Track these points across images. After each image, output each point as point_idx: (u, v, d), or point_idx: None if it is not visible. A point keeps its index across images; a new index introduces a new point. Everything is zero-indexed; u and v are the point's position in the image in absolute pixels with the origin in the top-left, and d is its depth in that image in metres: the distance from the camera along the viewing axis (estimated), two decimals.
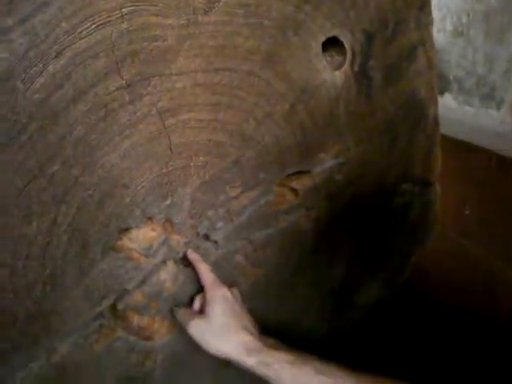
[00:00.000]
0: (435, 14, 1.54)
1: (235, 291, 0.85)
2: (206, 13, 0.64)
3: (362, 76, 0.82)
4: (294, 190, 0.87)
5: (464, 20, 1.47)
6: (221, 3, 0.65)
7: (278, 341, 0.81)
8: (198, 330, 0.79)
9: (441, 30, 1.53)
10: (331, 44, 0.78)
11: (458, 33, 1.49)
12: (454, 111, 1.52)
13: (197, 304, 0.84)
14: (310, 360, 0.77)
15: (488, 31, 1.41)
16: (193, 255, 0.81)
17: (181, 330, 0.84)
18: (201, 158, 0.73)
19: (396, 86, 0.87)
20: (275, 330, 0.85)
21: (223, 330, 0.78)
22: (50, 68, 0.58)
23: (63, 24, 0.57)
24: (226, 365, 0.89)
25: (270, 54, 0.71)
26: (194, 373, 0.92)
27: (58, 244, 0.68)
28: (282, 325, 0.92)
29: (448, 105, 1.54)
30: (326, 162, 0.86)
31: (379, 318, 1.16)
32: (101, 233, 0.70)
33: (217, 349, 0.78)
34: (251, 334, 0.79)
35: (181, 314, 0.82)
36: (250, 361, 0.76)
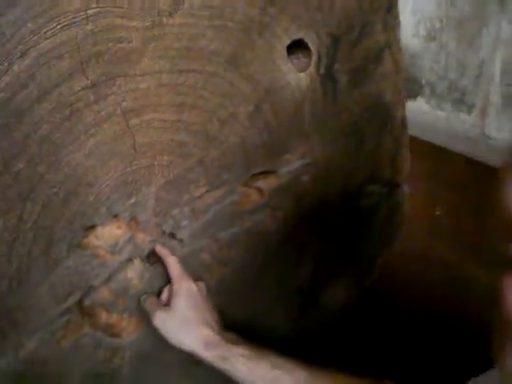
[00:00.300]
0: (410, 19, 1.57)
1: (201, 284, 0.86)
2: (170, 15, 0.66)
3: (327, 78, 0.83)
4: (260, 190, 0.88)
5: (437, 25, 1.49)
6: (185, 6, 0.66)
7: (238, 336, 0.83)
8: (162, 321, 0.81)
9: (415, 35, 1.56)
10: (297, 46, 0.79)
11: (431, 38, 1.51)
12: (426, 115, 1.54)
13: (164, 295, 0.86)
14: (267, 355, 0.80)
15: (460, 37, 1.44)
16: (161, 249, 0.82)
17: (148, 328, 0.85)
18: (165, 158, 0.75)
19: (362, 88, 0.89)
20: (241, 327, 0.86)
21: (185, 324, 0.80)
22: (15, 67, 0.59)
23: (29, 24, 0.58)
24: (197, 363, 0.91)
25: (235, 55, 0.73)
26: (163, 370, 0.93)
27: (23, 241, 0.68)
28: (249, 322, 0.94)
29: (421, 109, 1.56)
30: (291, 163, 0.87)
31: (346, 319, 1.17)
32: (66, 230, 0.71)
33: (178, 341, 0.80)
34: (211, 328, 0.81)
35: (147, 303, 0.84)
36: (208, 355, 0.79)
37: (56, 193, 0.68)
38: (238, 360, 0.78)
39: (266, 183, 0.88)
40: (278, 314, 1.05)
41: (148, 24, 0.65)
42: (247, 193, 0.87)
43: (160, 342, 0.82)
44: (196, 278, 0.85)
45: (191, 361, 0.89)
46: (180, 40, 0.68)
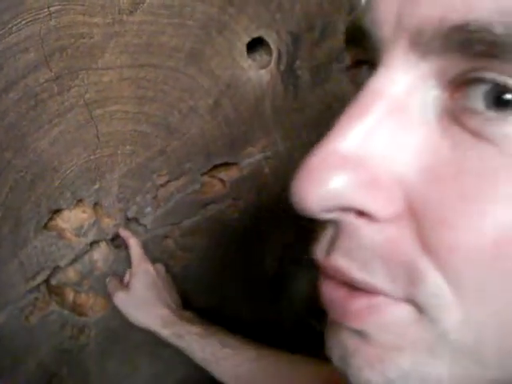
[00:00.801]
0: None
1: (159, 266, 0.91)
2: (130, 13, 0.70)
3: (288, 75, 0.87)
4: (222, 181, 0.92)
5: None
6: (145, 4, 0.70)
7: (195, 315, 0.87)
8: (122, 301, 0.86)
9: None
10: (258, 44, 0.83)
11: None
12: None
13: (127, 277, 0.90)
14: (219, 333, 0.84)
15: None
16: (124, 232, 0.87)
17: (114, 309, 0.89)
18: (127, 147, 0.79)
19: (325, 85, 0.92)
20: (207, 315, 0.90)
21: (143, 303, 0.85)
22: None
23: None
24: (164, 344, 0.95)
25: (194, 52, 0.77)
26: (129, 349, 0.97)
27: None
28: (214, 309, 0.97)
29: None
30: (253, 156, 0.91)
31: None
32: (33, 212, 0.76)
33: (137, 320, 0.85)
34: (168, 307, 0.86)
35: (110, 284, 0.88)
36: (165, 332, 0.83)
37: (23, 177, 0.72)
38: (192, 338, 0.83)
39: (228, 174, 0.92)
40: (244, 302, 1.08)
41: (109, 21, 0.69)
42: (209, 183, 0.91)
43: (126, 323, 0.87)
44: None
45: (159, 341, 0.93)
46: (140, 36, 0.72)
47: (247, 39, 0.81)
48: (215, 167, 0.90)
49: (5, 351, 0.84)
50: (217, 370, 0.83)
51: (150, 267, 0.87)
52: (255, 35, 0.81)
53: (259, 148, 0.91)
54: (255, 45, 0.84)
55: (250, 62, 0.83)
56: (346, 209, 0.29)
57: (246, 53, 0.82)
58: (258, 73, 0.84)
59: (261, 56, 0.85)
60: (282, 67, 0.86)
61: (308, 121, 0.94)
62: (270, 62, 0.85)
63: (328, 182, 0.27)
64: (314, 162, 0.29)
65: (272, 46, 0.83)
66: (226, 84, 0.82)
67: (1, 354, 0.83)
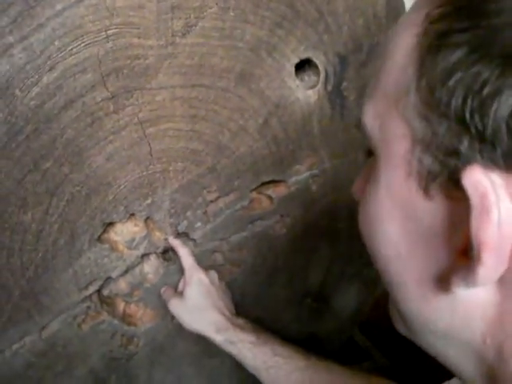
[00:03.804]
0: None
1: (212, 273, 0.94)
2: (183, 35, 0.73)
3: (335, 95, 0.89)
4: (270, 198, 0.94)
5: None
6: (197, 27, 0.73)
7: (248, 322, 0.89)
8: (176, 307, 0.89)
9: None
10: (306, 64, 0.85)
11: None
12: None
13: (181, 285, 0.93)
14: (271, 342, 0.86)
15: None
16: (174, 241, 0.89)
17: (163, 320, 0.92)
18: (179, 164, 0.82)
19: None
20: None
21: (197, 309, 0.88)
22: (44, 79, 0.67)
23: (56, 42, 0.65)
24: (209, 355, 0.97)
25: (244, 72, 0.79)
26: (175, 360, 1.00)
27: (49, 232, 0.77)
28: (259, 323, 0.99)
29: None
30: (300, 174, 0.94)
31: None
32: (88, 225, 0.79)
33: (190, 326, 0.88)
34: (222, 314, 0.88)
35: (165, 293, 0.92)
36: (218, 338, 0.86)
37: (79, 191, 0.76)
38: (244, 346, 0.85)
39: (276, 191, 0.94)
40: (289, 316, 1.10)
41: (163, 43, 0.72)
42: (258, 199, 0.93)
43: (173, 334, 0.90)
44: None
45: (204, 353, 0.96)
46: (192, 58, 0.75)
47: (296, 60, 0.83)
48: (263, 184, 0.92)
49: (58, 357, 0.88)
50: (267, 378, 0.85)
51: (203, 276, 0.90)
52: (303, 56, 0.83)
53: (306, 166, 0.93)
54: (303, 65, 0.86)
55: (298, 82, 0.85)
56: None
57: (294, 74, 0.84)
58: (305, 93, 0.86)
59: (309, 77, 0.87)
60: (329, 87, 0.88)
61: (354, 140, 0.96)
62: (317, 82, 0.87)
63: None
64: None
65: (320, 66, 0.85)
66: (274, 104, 0.84)
67: (54, 360, 0.88)
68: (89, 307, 0.87)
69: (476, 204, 0.31)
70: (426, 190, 0.35)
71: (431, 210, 0.35)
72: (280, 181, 0.93)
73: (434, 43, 0.33)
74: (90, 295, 0.86)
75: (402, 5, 0.89)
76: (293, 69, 0.83)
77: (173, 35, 0.72)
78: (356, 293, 1.17)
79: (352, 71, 0.89)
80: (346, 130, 0.94)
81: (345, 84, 0.89)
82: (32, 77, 0.66)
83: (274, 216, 0.96)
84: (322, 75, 0.86)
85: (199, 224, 0.90)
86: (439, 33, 0.33)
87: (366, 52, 0.88)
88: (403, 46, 0.36)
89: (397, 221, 0.39)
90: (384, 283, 0.44)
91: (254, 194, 0.92)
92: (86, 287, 0.85)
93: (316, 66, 0.86)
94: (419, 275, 0.39)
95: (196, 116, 0.79)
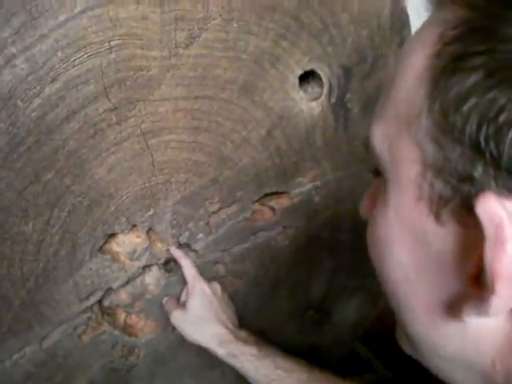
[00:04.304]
0: None
1: (215, 285, 0.93)
2: (186, 47, 0.72)
3: (339, 107, 0.89)
4: (272, 209, 0.94)
5: None
6: (200, 38, 0.73)
7: (251, 334, 0.89)
8: (179, 319, 0.88)
9: None
10: (309, 76, 0.85)
11: None
12: None
13: (183, 296, 0.93)
14: (273, 355, 0.86)
15: None
16: (176, 251, 0.89)
17: (164, 332, 0.92)
18: (181, 175, 0.81)
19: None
20: None
21: (199, 321, 0.88)
22: (47, 90, 0.66)
23: (59, 53, 0.65)
24: (211, 367, 0.97)
25: (248, 84, 0.79)
26: (176, 371, 0.99)
27: (50, 243, 0.76)
28: (261, 335, 0.99)
29: None
30: (303, 185, 0.93)
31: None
32: (89, 235, 0.79)
33: (193, 338, 0.87)
34: (225, 326, 0.88)
35: (167, 303, 0.91)
36: (220, 352, 0.86)
37: (80, 202, 0.76)
38: (246, 359, 0.85)
39: (279, 203, 0.93)
40: (292, 328, 1.09)
41: (166, 54, 0.71)
42: (260, 211, 0.93)
43: (174, 345, 0.89)
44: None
45: (205, 365, 0.95)
46: (195, 69, 0.74)
47: (299, 72, 0.83)
48: (266, 196, 0.92)
49: (58, 368, 0.87)
50: None
51: (205, 286, 0.90)
52: (307, 68, 0.83)
53: (309, 178, 0.93)
54: (307, 77, 0.85)
55: (301, 94, 0.85)
56: None
57: (298, 85, 0.83)
58: (309, 105, 0.86)
59: (312, 88, 0.87)
60: (333, 99, 0.88)
61: (357, 152, 0.95)
62: (321, 94, 0.86)
63: None
64: None
65: (323, 78, 0.85)
66: (278, 116, 0.84)
67: (55, 371, 0.87)
68: (89, 318, 0.86)
69: (491, 234, 0.30)
70: (436, 215, 0.35)
71: (442, 235, 0.35)
72: (283, 192, 0.93)
73: (448, 66, 0.32)
74: (91, 306, 0.85)
75: (407, 17, 0.88)
76: (296, 80, 0.83)
77: (176, 46, 0.72)
78: (358, 305, 1.17)
79: (356, 83, 0.89)
80: (350, 142, 0.93)
81: (349, 96, 0.89)
82: (34, 88, 0.65)
83: (276, 227, 0.96)
84: (326, 87, 0.86)
85: (201, 235, 0.89)
86: (454, 55, 0.32)
87: (370, 64, 0.88)
88: (415, 66, 0.36)
89: (406, 245, 0.38)
90: (392, 306, 0.44)
91: (257, 206, 0.92)
92: (87, 298, 0.84)
93: (320, 78, 0.85)
94: (428, 300, 0.38)
95: (199, 127, 0.79)
